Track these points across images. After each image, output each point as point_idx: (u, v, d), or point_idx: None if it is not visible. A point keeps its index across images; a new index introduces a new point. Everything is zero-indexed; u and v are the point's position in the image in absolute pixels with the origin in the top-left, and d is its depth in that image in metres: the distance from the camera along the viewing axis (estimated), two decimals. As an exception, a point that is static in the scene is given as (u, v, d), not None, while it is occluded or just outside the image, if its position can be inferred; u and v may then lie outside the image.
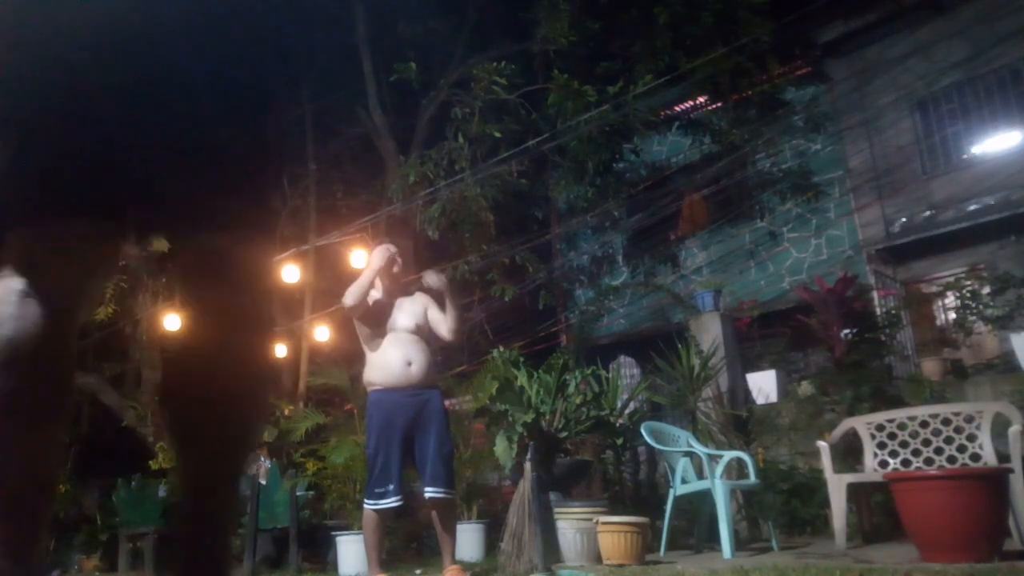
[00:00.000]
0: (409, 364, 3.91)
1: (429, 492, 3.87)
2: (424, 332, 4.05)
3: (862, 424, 5.13)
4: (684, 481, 5.11)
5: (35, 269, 1.05)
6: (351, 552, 5.42)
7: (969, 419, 4.77)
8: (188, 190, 1.09)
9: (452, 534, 3.98)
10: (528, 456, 4.81)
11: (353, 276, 9.46)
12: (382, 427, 3.87)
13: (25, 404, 1.01)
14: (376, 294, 4.10)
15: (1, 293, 1.03)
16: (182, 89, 1.07)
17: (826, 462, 4.95)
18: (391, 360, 3.92)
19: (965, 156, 10.03)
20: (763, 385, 7.60)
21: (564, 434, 5.34)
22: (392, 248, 4.15)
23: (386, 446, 3.85)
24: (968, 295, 7.16)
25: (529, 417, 5.03)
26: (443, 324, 4.09)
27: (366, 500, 3.91)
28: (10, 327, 1.00)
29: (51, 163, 1.04)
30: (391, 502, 3.81)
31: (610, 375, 6.52)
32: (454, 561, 3.96)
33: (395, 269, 4.14)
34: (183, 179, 1.08)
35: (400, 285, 4.21)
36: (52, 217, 1.05)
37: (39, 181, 1.04)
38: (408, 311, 4.06)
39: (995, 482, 3.72)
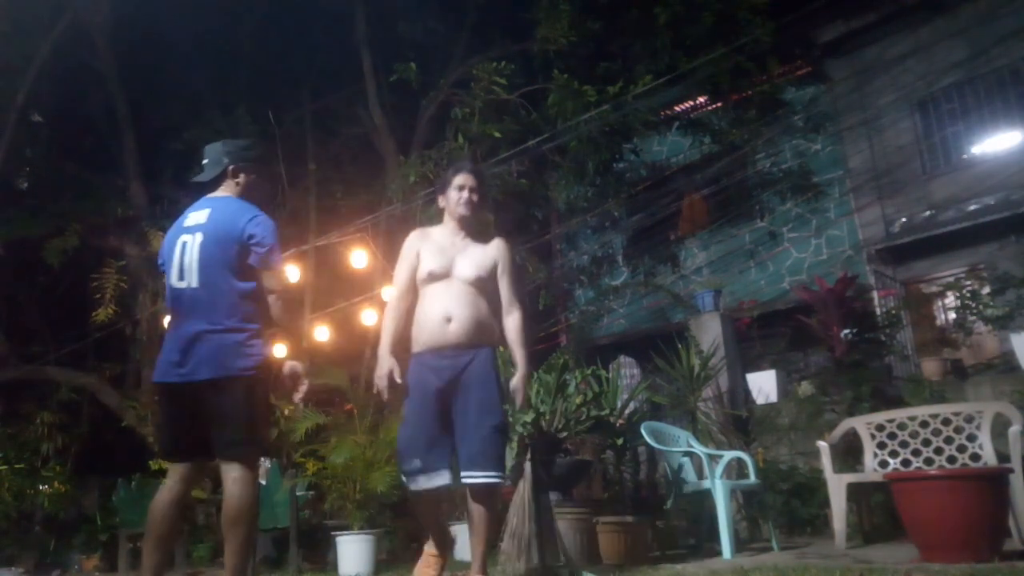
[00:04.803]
0: (448, 320, 3.17)
1: (465, 478, 3.10)
2: (485, 287, 3.29)
3: (862, 424, 5.13)
4: (684, 481, 5.12)
5: (189, 473, 2.95)
6: (351, 552, 5.42)
7: (969, 419, 4.77)
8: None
9: (486, 536, 3.18)
10: (528, 456, 4.81)
11: (352, 276, 9.41)
12: (412, 395, 3.19)
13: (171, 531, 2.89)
14: (439, 233, 3.44)
15: (171, 482, 2.91)
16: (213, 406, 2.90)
17: (826, 462, 4.95)
18: (429, 315, 3.21)
19: (965, 156, 10.02)
20: (763, 385, 7.60)
21: (564, 434, 5.34)
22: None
23: (413, 418, 3.17)
24: (968, 295, 7.16)
25: (529, 417, 5.03)
26: (505, 311, 3.36)
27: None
28: (167, 498, 2.89)
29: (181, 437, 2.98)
30: (421, 482, 3.10)
31: (610, 375, 6.52)
32: (483, 571, 3.13)
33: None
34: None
35: (474, 225, 3.46)
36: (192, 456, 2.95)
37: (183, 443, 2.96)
38: (473, 259, 3.33)
39: (995, 482, 3.72)
